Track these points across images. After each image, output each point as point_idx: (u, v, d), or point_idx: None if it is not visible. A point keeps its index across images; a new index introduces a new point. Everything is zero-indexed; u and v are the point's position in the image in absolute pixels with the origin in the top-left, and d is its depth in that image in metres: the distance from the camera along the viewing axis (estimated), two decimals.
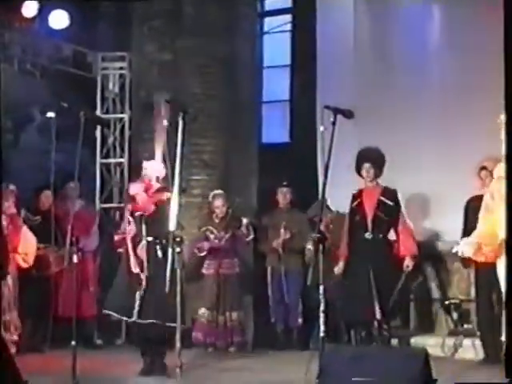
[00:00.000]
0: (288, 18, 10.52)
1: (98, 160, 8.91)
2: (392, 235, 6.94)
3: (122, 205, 8.84)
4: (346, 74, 8.52)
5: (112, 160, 8.99)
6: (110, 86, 8.91)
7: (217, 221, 7.58)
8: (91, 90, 8.87)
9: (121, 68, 8.95)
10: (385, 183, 6.99)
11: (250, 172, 8.87)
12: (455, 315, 7.47)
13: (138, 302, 5.67)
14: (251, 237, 7.60)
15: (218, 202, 7.56)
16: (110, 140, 8.98)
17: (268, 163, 8.94)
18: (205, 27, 8.71)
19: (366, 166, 6.81)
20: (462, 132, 7.64)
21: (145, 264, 5.73)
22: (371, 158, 6.82)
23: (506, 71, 4.18)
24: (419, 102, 7.92)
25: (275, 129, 10.57)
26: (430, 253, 7.69)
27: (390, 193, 6.87)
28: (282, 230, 7.61)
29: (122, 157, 8.95)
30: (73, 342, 5.09)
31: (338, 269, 6.89)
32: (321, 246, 4.36)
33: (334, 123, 4.38)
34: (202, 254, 7.48)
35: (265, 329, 7.72)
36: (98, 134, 8.88)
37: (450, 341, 7.10)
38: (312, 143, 7.94)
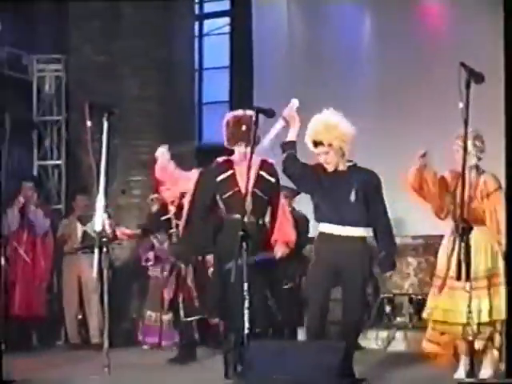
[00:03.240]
0: (227, 20, 10.59)
1: (36, 162, 8.87)
2: None
3: (59, 206, 8.86)
4: (281, 75, 8.64)
5: (49, 162, 8.95)
6: (46, 88, 8.87)
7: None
8: (27, 92, 8.81)
9: (56, 70, 8.91)
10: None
11: None
12: (388, 309, 7.70)
13: None
14: None
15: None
16: (47, 142, 8.93)
17: (208, 163, 8.96)
18: (142, 29, 8.74)
19: None
20: (399, 127, 7.80)
21: None
22: None
23: (506, 72, 4.24)
24: (353, 100, 7.94)
25: (215, 130, 10.60)
26: None
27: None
28: None
29: (59, 159, 8.91)
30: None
31: None
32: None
33: (255, 123, 4.44)
34: (150, 264, 7.49)
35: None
36: (34, 136, 8.84)
37: (384, 334, 7.32)
38: None
